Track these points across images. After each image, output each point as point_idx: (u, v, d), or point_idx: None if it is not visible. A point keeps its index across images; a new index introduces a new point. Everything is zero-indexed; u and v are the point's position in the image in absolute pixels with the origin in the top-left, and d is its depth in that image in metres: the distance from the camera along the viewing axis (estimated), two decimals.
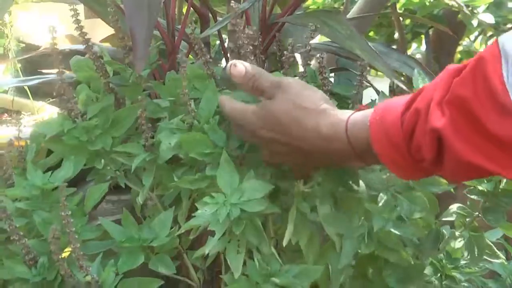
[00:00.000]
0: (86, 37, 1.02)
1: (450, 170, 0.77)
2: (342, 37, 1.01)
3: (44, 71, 1.40)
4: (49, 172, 1.01)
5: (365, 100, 1.05)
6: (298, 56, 1.01)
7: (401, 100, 0.80)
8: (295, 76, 0.98)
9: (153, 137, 0.98)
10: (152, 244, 0.96)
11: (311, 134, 0.85)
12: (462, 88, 0.73)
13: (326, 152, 0.86)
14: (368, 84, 1.13)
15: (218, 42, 1.29)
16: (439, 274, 1.05)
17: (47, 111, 1.54)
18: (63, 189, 0.92)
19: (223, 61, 1.24)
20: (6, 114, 1.58)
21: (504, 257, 1.08)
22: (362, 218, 0.95)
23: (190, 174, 0.98)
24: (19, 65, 1.66)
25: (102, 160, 1.02)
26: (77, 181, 1.03)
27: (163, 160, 0.97)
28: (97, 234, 0.99)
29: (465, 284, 1.07)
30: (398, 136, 0.78)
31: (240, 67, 0.90)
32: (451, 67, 0.78)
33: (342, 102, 1.00)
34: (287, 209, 0.95)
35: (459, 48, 3.07)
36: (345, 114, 0.85)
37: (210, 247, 0.88)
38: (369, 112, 0.83)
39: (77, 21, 1.01)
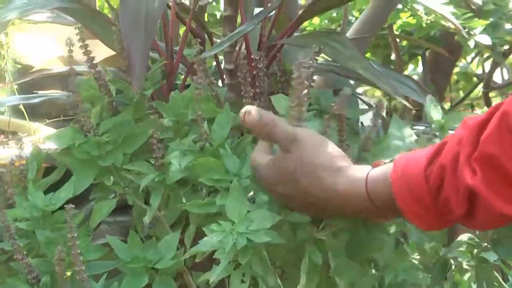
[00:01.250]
0: (90, 55, 1.02)
1: (480, 222, 0.79)
2: (344, 58, 1.01)
3: (40, 92, 1.39)
4: (51, 194, 1.00)
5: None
6: None
7: (421, 155, 0.82)
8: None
9: (162, 157, 0.98)
10: (157, 266, 0.95)
11: (328, 193, 0.85)
12: (490, 145, 0.75)
13: (343, 209, 0.86)
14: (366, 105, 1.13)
15: (214, 63, 1.29)
16: None
17: (43, 132, 1.54)
18: (70, 210, 0.92)
19: (219, 82, 1.24)
20: (2, 136, 1.57)
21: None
22: (372, 265, 0.94)
23: (199, 194, 0.98)
24: (15, 86, 1.65)
25: (111, 177, 1.01)
26: (78, 201, 1.02)
27: (172, 181, 0.96)
28: (100, 254, 0.98)
29: None
30: (423, 191, 0.79)
31: (254, 114, 0.88)
32: (470, 121, 0.80)
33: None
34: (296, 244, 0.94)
35: (456, 70, 3.08)
36: (362, 172, 0.85)
37: (215, 276, 0.87)
38: (388, 168, 0.83)
39: (82, 39, 1.01)
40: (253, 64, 1.02)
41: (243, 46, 1.18)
